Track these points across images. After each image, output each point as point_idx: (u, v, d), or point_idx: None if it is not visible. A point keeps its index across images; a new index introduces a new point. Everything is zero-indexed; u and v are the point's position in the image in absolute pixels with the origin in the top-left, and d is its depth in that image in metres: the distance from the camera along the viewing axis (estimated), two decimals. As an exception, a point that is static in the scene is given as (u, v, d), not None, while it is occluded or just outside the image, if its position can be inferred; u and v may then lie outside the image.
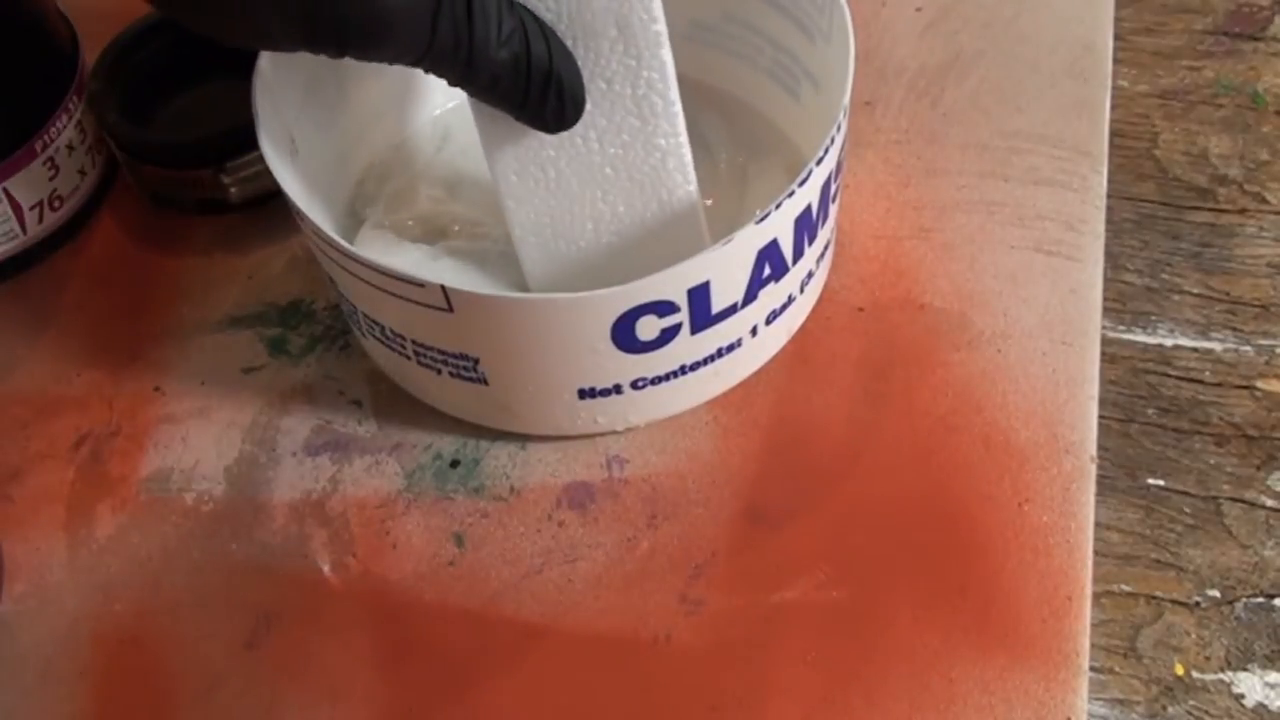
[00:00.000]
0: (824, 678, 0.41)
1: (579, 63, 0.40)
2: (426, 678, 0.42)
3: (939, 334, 0.48)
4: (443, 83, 0.50)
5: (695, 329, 0.42)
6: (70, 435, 0.49)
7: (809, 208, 0.42)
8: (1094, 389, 0.46)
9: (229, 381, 0.50)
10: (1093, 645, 0.42)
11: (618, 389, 0.43)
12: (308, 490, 0.47)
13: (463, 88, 0.38)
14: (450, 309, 0.40)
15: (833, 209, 0.46)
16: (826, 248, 0.47)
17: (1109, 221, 0.51)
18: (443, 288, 0.39)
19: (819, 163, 0.41)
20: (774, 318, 0.45)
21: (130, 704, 0.43)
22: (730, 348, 0.44)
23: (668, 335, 0.41)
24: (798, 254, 0.43)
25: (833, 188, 0.44)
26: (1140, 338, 1.17)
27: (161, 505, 0.47)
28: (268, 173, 0.52)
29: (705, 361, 0.44)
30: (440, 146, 0.52)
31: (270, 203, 0.54)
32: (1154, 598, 1.04)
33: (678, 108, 0.42)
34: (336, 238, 0.40)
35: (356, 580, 0.44)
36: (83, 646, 0.44)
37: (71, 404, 0.50)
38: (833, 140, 0.42)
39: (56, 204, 0.53)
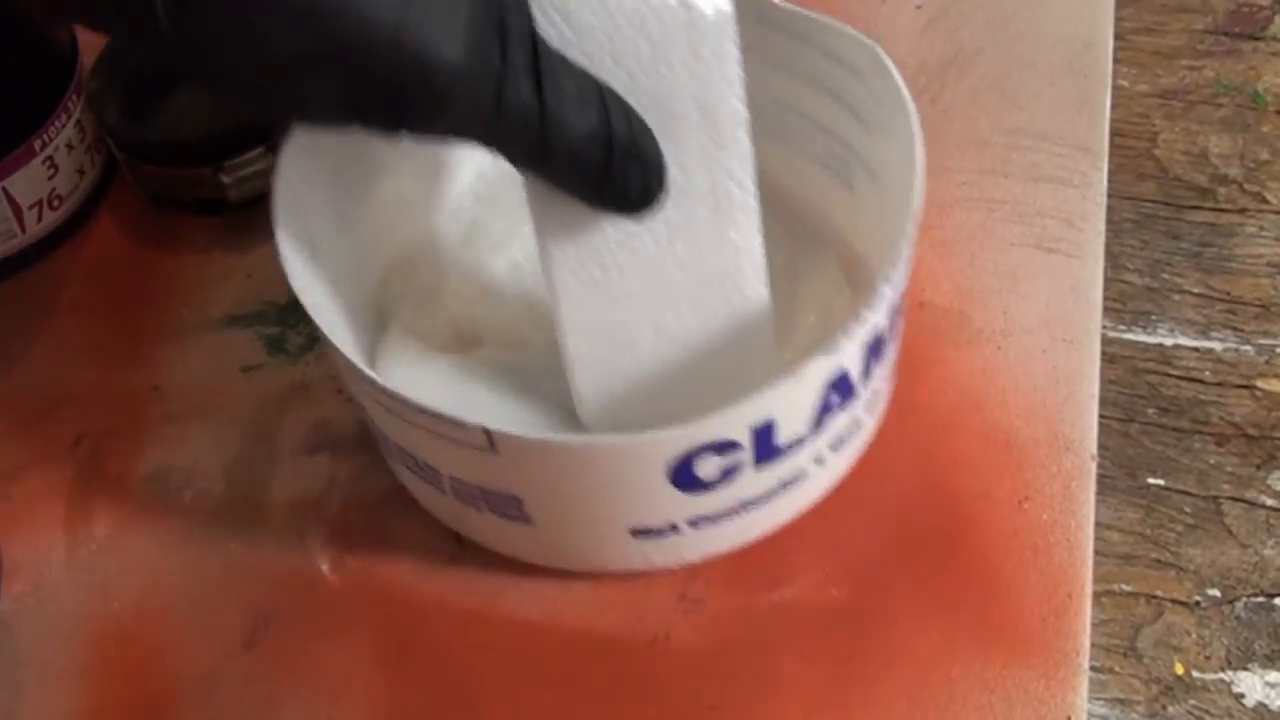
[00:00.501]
0: (824, 677, 0.41)
1: None
2: (426, 677, 0.42)
3: (938, 332, 0.48)
4: (473, 167, 0.47)
5: (758, 465, 0.39)
6: (69, 434, 0.49)
7: (879, 328, 0.39)
8: (1094, 387, 0.46)
9: (228, 380, 0.50)
10: (1093, 645, 0.42)
11: (674, 528, 0.40)
12: (307, 489, 0.46)
13: (536, 169, 0.34)
14: (494, 449, 0.37)
15: (901, 323, 0.42)
16: (894, 363, 0.44)
17: (1109, 221, 0.51)
18: (485, 430, 0.36)
19: (889, 281, 0.38)
20: (840, 443, 0.41)
21: (129, 703, 0.43)
22: (794, 479, 0.41)
23: (729, 473, 0.38)
24: (866, 376, 0.40)
25: (902, 302, 0.41)
26: (1140, 337, 1.17)
27: (160, 504, 0.47)
28: (267, 172, 0.52)
29: (767, 495, 0.40)
30: (469, 238, 0.49)
31: (269, 202, 0.53)
32: (1154, 597, 1.04)
33: (755, 200, 0.39)
34: (369, 372, 0.37)
35: (355, 579, 0.44)
36: (82, 646, 0.44)
37: (70, 403, 0.50)
38: (901, 254, 0.38)
39: (56, 203, 0.53)
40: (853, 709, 0.40)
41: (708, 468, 0.37)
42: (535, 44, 0.32)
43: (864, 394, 0.40)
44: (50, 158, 0.52)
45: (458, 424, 0.36)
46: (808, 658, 0.41)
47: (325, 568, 0.45)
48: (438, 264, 0.48)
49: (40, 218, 0.53)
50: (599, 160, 0.34)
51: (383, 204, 0.47)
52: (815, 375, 0.37)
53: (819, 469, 0.41)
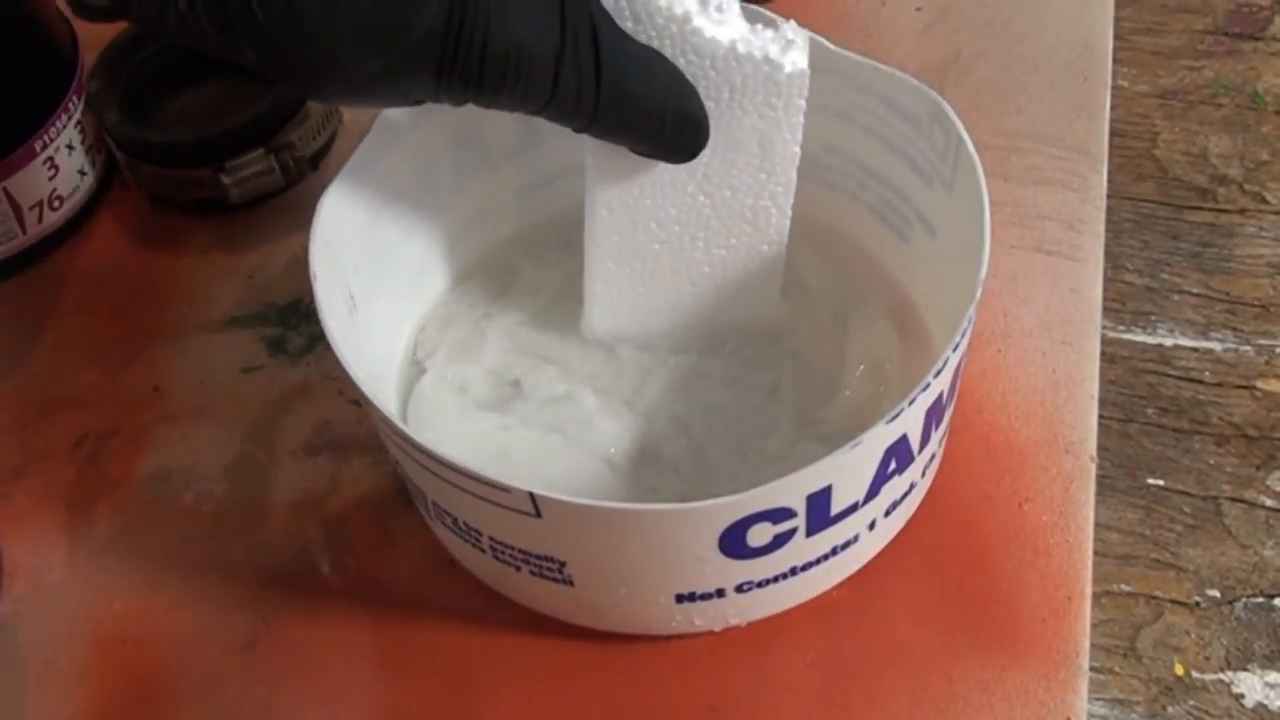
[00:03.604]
0: (824, 677, 0.41)
1: (714, 170, 0.40)
2: (426, 678, 0.42)
3: (939, 334, 0.48)
4: (511, 217, 0.48)
5: (811, 532, 0.38)
6: (70, 435, 0.49)
7: (940, 395, 0.39)
8: (1094, 388, 0.46)
9: (228, 381, 0.50)
10: (1093, 645, 0.42)
11: (720, 593, 0.39)
12: (307, 490, 0.46)
13: (590, 132, 0.37)
14: (538, 514, 0.36)
15: (959, 384, 0.42)
16: (949, 424, 0.43)
17: (1109, 221, 0.51)
18: (531, 495, 0.35)
19: (955, 349, 0.37)
20: (893, 508, 0.41)
21: (130, 704, 0.43)
22: (846, 545, 0.40)
23: (780, 540, 0.38)
24: (924, 442, 0.40)
25: (963, 366, 0.41)
26: (1140, 338, 1.17)
27: (161, 505, 0.47)
28: (268, 173, 0.53)
29: (818, 561, 0.40)
30: (508, 288, 0.48)
31: (270, 202, 0.54)
32: (1154, 598, 1.04)
33: (789, 220, 0.42)
34: (412, 434, 0.37)
35: (356, 580, 0.44)
36: (82, 646, 0.44)
37: (71, 404, 0.50)
38: (967, 318, 0.38)
39: (56, 204, 0.53)
40: (853, 709, 0.40)
41: (760, 535, 0.37)
42: (594, 22, 0.35)
43: (921, 459, 0.40)
44: (51, 158, 0.52)
45: (502, 488, 0.36)
46: (808, 658, 0.41)
47: (325, 568, 0.45)
48: (474, 313, 0.47)
49: (41, 218, 0.53)
50: (655, 126, 0.37)
51: (419, 255, 0.47)
52: (876, 444, 0.37)
53: (870, 533, 0.41)
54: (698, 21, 0.36)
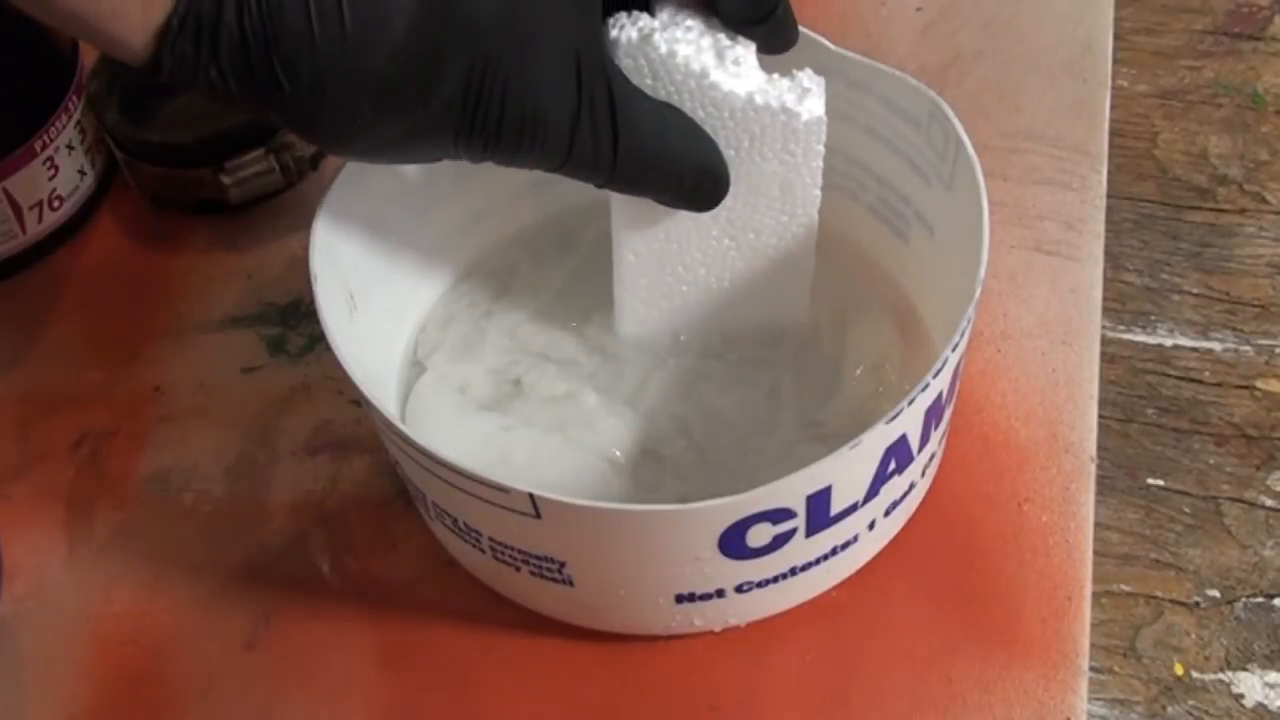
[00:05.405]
0: (824, 677, 0.41)
1: (737, 214, 0.40)
2: (426, 678, 0.42)
3: (939, 334, 0.48)
4: (513, 218, 0.49)
5: (810, 532, 0.38)
6: (70, 435, 0.49)
7: (939, 395, 0.39)
8: (1093, 388, 0.46)
9: (229, 381, 0.50)
10: (1092, 645, 0.42)
11: (720, 593, 0.40)
12: (307, 490, 0.46)
13: (609, 187, 0.38)
14: (538, 515, 0.36)
15: (958, 384, 0.42)
16: (949, 424, 0.43)
17: (1108, 221, 0.51)
18: (531, 496, 0.35)
19: (954, 349, 0.37)
20: (893, 508, 0.41)
21: (130, 704, 0.43)
22: (845, 545, 0.40)
23: (780, 540, 0.38)
24: (924, 442, 0.40)
25: (962, 366, 0.41)
26: (1140, 337, 1.17)
27: (161, 505, 0.47)
28: (268, 173, 0.53)
29: (817, 561, 0.40)
30: (508, 287, 0.48)
31: (270, 202, 0.54)
32: (1154, 598, 1.04)
33: (813, 259, 0.43)
34: (412, 435, 0.37)
35: (356, 580, 0.44)
36: (83, 646, 0.44)
37: (71, 404, 0.50)
38: (966, 319, 0.38)
39: (56, 204, 0.53)
40: (853, 710, 0.40)
41: (759, 535, 0.37)
42: (610, 83, 0.35)
43: (921, 459, 0.40)
44: (51, 158, 0.52)
45: (501, 489, 0.36)
46: (808, 658, 0.41)
47: (325, 568, 0.45)
48: (475, 312, 0.48)
49: (41, 218, 0.53)
50: (674, 181, 0.38)
51: (420, 255, 0.47)
52: (876, 444, 0.37)
53: (870, 533, 0.41)
54: (715, 76, 0.37)
